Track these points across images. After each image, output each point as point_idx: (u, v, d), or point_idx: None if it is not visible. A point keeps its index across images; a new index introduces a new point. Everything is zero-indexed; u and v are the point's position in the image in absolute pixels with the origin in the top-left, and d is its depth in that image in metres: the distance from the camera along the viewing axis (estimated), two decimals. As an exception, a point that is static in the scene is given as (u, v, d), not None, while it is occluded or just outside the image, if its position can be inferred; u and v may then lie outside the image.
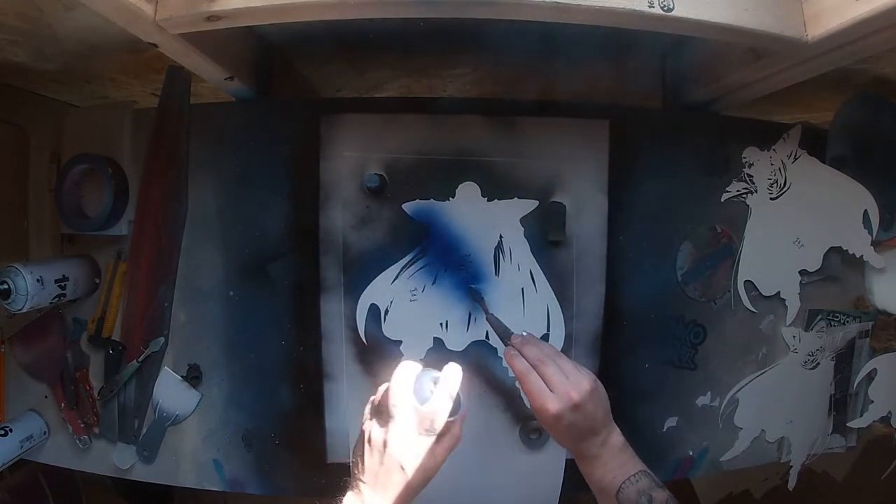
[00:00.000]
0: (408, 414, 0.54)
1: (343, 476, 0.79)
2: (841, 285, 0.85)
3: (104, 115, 0.79)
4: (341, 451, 0.78)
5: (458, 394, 0.57)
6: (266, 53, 0.82)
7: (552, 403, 0.58)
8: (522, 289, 0.75)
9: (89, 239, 0.80)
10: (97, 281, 0.80)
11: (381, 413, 0.56)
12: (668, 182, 0.79)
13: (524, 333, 0.66)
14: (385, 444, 0.54)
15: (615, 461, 0.60)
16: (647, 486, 0.58)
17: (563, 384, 0.59)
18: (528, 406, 0.75)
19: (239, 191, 0.77)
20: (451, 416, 0.56)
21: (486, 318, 0.70)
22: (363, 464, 0.55)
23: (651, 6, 0.54)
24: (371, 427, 0.56)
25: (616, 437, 0.61)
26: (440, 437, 0.55)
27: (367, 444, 0.56)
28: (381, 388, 0.58)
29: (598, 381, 0.62)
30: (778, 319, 0.83)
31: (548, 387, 0.60)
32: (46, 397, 0.82)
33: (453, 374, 0.57)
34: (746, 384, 0.83)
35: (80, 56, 0.76)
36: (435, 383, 0.57)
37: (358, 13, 0.56)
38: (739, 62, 0.70)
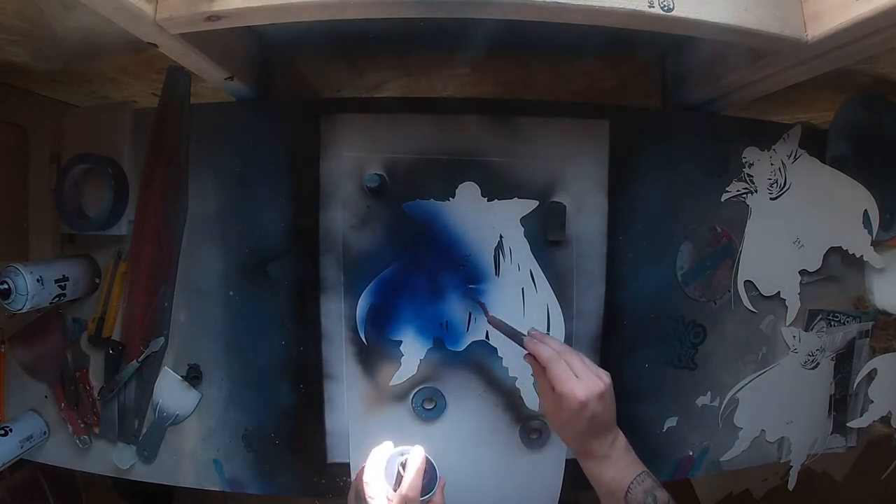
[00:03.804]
0: (383, 503, 0.56)
1: (343, 476, 0.79)
2: (841, 285, 0.85)
3: (104, 115, 0.79)
4: (341, 451, 0.78)
5: (431, 466, 0.59)
6: (266, 53, 0.82)
7: (580, 389, 0.59)
8: (522, 289, 0.75)
9: (89, 239, 0.80)
10: (97, 281, 0.80)
11: (361, 502, 0.57)
12: (668, 182, 0.79)
13: (537, 330, 0.68)
14: None
15: (622, 461, 0.61)
16: (651, 487, 0.59)
17: (588, 372, 0.61)
18: (531, 407, 0.75)
19: (239, 191, 0.77)
20: (425, 494, 0.58)
21: (488, 320, 0.71)
22: None
23: (651, 6, 0.54)
24: None
25: (622, 437, 0.62)
26: None
27: None
28: (360, 472, 0.59)
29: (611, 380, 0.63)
30: (778, 319, 0.83)
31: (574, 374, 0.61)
32: (46, 397, 0.82)
33: (416, 456, 0.59)
34: (746, 384, 0.83)
35: (80, 56, 0.76)
36: (403, 466, 0.58)
37: (358, 13, 0.56)
38: (739, 62, 0.70)
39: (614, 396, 0.62)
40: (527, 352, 0.65)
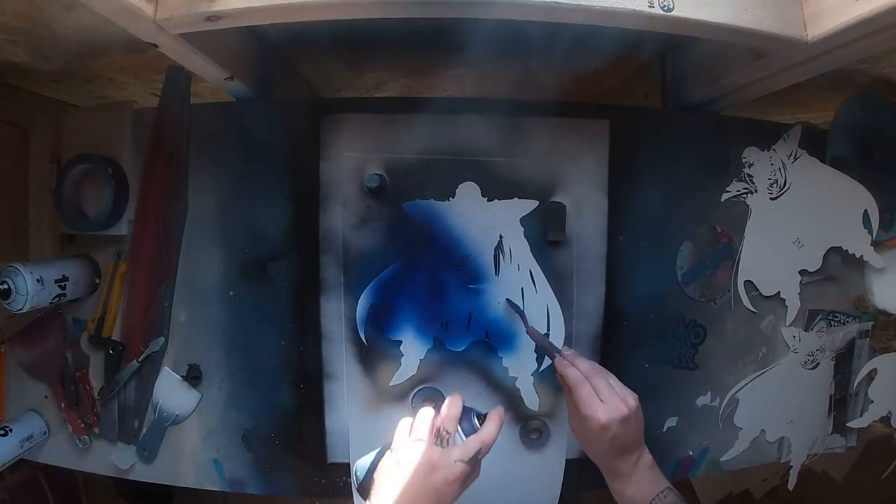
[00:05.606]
0: (455, 446, 0.58)
1: (343, 476, 0.79)
2: (841, 285, 0.85)
3: (104, 115, 0.79)
4: (341, 451, 0.78)
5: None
6: (266, 53, 0.82)
7: (602, 412, 0.61)
8: (522, 289, 0.75)
9: (89, 239, 0.80)
10: (97, 281, 0.80)
11: (442, 438, 0.59)
12: (668, 182, 0.79)
13: (571, 349, 0.69)
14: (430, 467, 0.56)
15: (645, 479, 0.62)
16: (674, 502, 0.60)
17: (613, 396, 0.62)
18: (531, 407, 0.75)
19: (239, 191, 0.77)
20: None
21: (527, 332, 0.71)
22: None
23: (651, 6, 0.54)
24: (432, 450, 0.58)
25: (647, 455, 0.64)
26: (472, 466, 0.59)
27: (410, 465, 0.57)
28: (445, 411, 0.61)
29: (639, 402, 0.64)
30: (778, 319, 0.83)
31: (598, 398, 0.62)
32: (46, 397, 0.82)
33: (498, 412, 0.62)
34: (746, 384, 0.83)
35: (80, 56, 0.76)
36: (478, 419, 0.61)
37: (358, 13, 0.56)
38: (739, 62, 0.70)
39: (641, 418, 0.63)
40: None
